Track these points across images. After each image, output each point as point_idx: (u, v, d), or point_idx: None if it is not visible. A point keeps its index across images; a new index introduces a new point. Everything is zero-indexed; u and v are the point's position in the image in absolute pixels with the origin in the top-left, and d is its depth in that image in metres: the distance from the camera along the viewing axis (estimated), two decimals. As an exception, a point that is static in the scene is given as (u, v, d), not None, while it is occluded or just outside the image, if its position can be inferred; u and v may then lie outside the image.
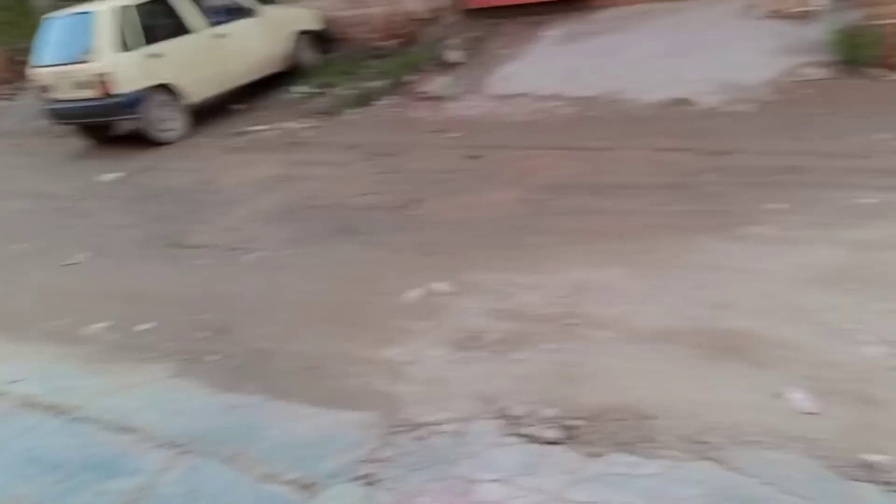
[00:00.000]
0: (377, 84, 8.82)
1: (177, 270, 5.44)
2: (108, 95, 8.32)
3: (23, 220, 7.18)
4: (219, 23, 9.35)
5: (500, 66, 8.37)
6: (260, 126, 8.75)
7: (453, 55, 8.79)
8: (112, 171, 8.03)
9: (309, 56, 10.22)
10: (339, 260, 5.14)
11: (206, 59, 9.07)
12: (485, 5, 9.28)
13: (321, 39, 10.38)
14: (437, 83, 8.35)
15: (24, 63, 12.27)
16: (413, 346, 3.90)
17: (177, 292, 5.05)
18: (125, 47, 8.39)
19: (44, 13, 10.22)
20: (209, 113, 9.35)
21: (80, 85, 8.41)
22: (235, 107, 9.64)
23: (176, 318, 4.66)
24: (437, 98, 8.16)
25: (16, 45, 12.63)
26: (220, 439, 3.40)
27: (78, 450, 3.50)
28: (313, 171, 7.02)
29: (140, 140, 8.77)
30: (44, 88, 8.81)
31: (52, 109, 8.97)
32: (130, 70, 8.40)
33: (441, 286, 4.43)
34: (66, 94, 8.63)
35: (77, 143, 9.42)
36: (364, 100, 8.59)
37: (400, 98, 8.51)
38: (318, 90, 9.35)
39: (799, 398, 3.04)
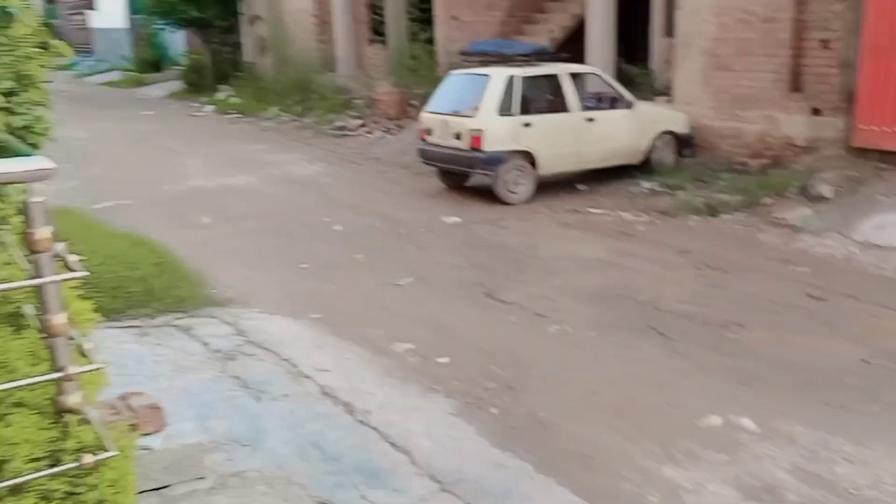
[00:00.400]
0: (728, 198, 8.45)
1: (484, 317, 5.64)
2: (475, 149, 9.05)
3: (370, 235, 8.01)
4: (592, 108, 9.72)
5: (875, 212, 7.53)
6: (596, 209, 8.85)
7: (823, 188, 8.12)
8: (453, 215, 8.66)
9: (665, 155, 10.14)
10: (641, 358, 4.93)
11: (570, 138, 9.45)
12: (874, 147, 8.46)
13: (682, 142, 10.26)
14: (796, 212, 7.75)
15: (412, 105, 13.94)
16: (698, 476, 3.56)
17: (478, 338, 5.22)
18: (505, 111, 9.08)
19: (446, 68, 11.50)
20: (553, 185, 9.70)
21: (455, 135, 9.26)
22: (579, 185, 9.89)
23: (471, 360, 4.81)
24: (792, 228, 7.56)
25: (411, 90, 14.36)
26: (479, 491, 3.39)
27: (356, 450, 3.72)
28: (637, 264, 6.89)
29: (486, 194, 9.37)
30: (427, 131, 9.85)
31: (424, 150, 10.00)
32: (501, 132, 9.06)
33: (747, 422, 4.00)
34: (440, 139, 9.55)
35: (432, 183, 10.35)
36: (710, 210, 8.28)
37: (749, 217, 8.05)
38: (664, 189, 9.23)
39: None
